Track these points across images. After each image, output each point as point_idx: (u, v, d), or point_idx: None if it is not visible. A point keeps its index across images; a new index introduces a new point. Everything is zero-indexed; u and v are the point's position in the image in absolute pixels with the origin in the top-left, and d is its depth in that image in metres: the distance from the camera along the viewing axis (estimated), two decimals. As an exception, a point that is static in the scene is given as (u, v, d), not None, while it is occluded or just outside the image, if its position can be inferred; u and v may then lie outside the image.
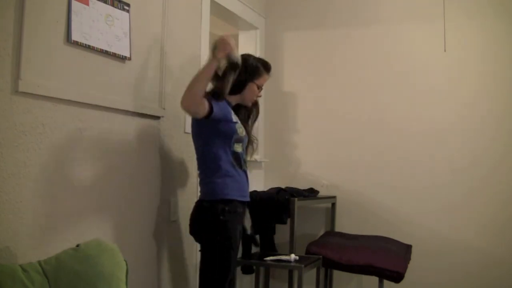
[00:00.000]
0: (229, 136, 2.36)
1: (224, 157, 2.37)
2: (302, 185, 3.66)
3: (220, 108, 2.33)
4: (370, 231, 3.55)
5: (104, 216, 2.30)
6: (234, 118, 2.41)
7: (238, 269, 3.17)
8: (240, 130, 2.41)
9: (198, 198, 2.48)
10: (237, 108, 2.52)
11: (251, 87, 2.47)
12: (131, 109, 2.46)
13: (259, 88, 2.51)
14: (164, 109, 2.71)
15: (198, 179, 2.48)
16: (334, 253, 3.10)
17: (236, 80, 2.40)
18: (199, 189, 2.52)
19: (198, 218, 2.40)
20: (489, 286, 3.33)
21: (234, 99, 2.48)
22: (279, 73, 3.96)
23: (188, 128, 2.91)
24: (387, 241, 3.32)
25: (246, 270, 3.25)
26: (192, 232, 2.46)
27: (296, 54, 3.96)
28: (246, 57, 2.47)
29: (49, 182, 2.01)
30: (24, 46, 1.89)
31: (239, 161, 2.44)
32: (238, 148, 2.42)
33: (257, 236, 3.26)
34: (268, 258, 2.97)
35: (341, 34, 3.82)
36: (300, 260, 2.92)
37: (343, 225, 3.70)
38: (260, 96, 2.58)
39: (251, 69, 2.45)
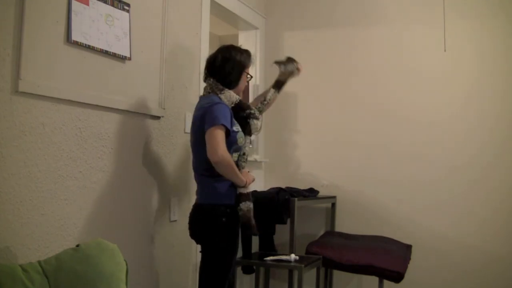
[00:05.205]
0: (229, 146, 2.35)
1: None
2: (302, 185, 3.65)
3: (229, 122, 2.34)
4: (370, 231, 3.55)
5: (104, 216, 2.30)
6: (236, 127, 2.41)
7: (238, 269, 3.17)
8: (241, 139, 2.41)
9: (196, 201, 2.47)
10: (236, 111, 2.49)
11: (244, 76, 2.53)
12: (131, 109, 2.46)
13: (247, 76, 2.57)
14: (164, 109, 2.71)
15: (198, 182, 2.46)
16: (334, 253, 3.10)
17: (233, 74, 2.46)
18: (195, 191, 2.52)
19: (200, 221, 2.40)
20: (489, 284, 3.34)
21: None
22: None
23: (188, 128, 2.91)
24: (387, 241, 3.32)
25: (246, 270, 3.25)
26: (193, 235, 2.45)
27: (296, 54, 3.90)
28: (231, 51, 2.49)
29: (49, 182, 2.01)
30: (24, 46, 1.90)
31: (239, 166, 2.45)
32: (235, 157, 2.42)
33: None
34: (268, 258, 2.97)
35: (341, 34, 3.82)
36: (300, 260, 2.92)
37: (343, 225, 3.70)
38: (246, 84, 2.65)
39: (243, 60, 2.50)
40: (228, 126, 2.31)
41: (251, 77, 2.62)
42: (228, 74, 2.45)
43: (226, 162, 2.27)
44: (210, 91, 2.46)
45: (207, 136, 2.29)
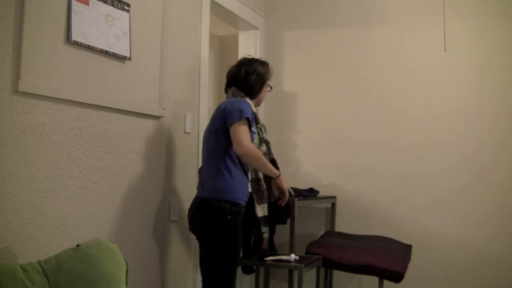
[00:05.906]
0: None
1: (238, 161, 2.44)
2: (302, 185, 3.65)
3: (252, 118, 2.43)
4: (370, 231, 3.55)
5: (104, 216, 2.30)
6: (254, 128, 2.50)
7: (238, 269, 3.16)
8: (256, 141, 2.51)
9: (200, 195, 2.45)
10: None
11: (265, 88, 2.66)
12: (131, 109, 2.46)
13: (268, 87, 2.71)
14: (164, 109, 2.71)
15: (205, 176, 2.46)
16: (334, 253, 3.10)
17: (255, 86, 2.58)
18: (198, 185, 2.53)
19: (202, 214, 2.40)
20: (489, 284, 3.33)
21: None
22: (279, 73, 3.96)
23: (188, 128, 2.92)
24: (387, 241, 3.32)
25: (247, 270, 3.24)
26: (193, 229, 2.46)
27: (296, 54, 3.96)
28: (253, 63, 2.61)
29: (49, 182, 2.01)
30: (24, 46, 1.90)
31: (247, 166, 2.53)
32: None
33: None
34: (268, 258, 2.97)
35: (341, 34, 3.82)
36: (300, 260, 2.92)
37: (343, 225, 3.70)
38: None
39: (266, 73, 2.64)
40: (251, 120, 2.40)
41: (271, 88, 2.76)
42: (251, 86, 2.58)
43: (252, 152, 2.35)
44: (231, 96, 2.57)
45: (232, 130, 2.35)
